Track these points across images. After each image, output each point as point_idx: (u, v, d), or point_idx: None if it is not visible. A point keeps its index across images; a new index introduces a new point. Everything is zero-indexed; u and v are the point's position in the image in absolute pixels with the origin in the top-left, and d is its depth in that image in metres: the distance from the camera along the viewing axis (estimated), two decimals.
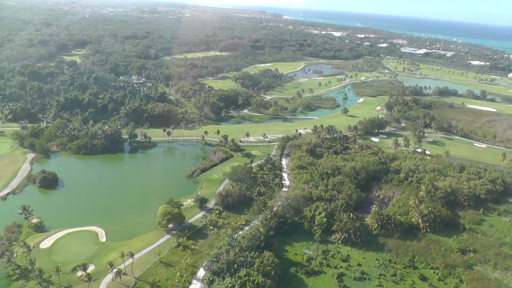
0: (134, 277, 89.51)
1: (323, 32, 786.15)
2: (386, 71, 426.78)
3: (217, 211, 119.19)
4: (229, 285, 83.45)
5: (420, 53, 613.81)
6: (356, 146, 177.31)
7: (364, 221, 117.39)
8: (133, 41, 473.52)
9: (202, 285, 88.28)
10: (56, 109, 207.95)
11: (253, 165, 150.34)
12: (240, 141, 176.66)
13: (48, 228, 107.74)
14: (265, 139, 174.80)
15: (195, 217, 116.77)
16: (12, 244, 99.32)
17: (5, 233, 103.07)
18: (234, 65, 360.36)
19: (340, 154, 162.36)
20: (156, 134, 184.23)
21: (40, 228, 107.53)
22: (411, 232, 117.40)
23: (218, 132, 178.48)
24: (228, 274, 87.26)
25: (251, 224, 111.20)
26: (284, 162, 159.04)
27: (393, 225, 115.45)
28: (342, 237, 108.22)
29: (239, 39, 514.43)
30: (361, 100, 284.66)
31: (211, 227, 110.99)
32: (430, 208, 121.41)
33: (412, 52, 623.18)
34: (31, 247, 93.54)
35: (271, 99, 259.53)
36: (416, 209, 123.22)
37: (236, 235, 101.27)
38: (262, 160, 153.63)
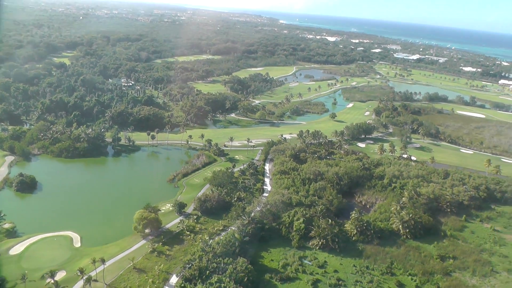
0: (106, 284, 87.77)
1: (318, 37, 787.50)
2: (378, 76, 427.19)
3: (195, 216, 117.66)
4: None
5: (413, 59, 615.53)
6: (342, 152, 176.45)
7: (344, 227, 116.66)
8: (125, 43, 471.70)
9: None
10: (40, 111, 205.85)
11: (235, 170, 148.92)
12: (225, 146, 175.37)
13: (21, 234, 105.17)
14: (249, 143, 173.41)
15: (173, 222, 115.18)
16: None
17: None
18: (225, 69, 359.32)
19: (324, 160, 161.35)
20: (141, 137, 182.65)
21: (12, 234, 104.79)
22: (391, 238, 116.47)
23: (202, 136, 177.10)
24: (200, 280, 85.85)
25: (229, 230, 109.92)
26: (267, 167, 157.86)
27: (372, 231, 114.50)
28: (320, 243, 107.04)
29: (232, 43, 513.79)
30: (351, 105, 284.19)
31: (188, 233, 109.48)
32: (411, 215, 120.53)
33: (405, 57, 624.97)
34: None
35: (259, 103, 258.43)
36: (397, 215, 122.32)
37: (210, 241, 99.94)
38: (245, 165, 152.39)
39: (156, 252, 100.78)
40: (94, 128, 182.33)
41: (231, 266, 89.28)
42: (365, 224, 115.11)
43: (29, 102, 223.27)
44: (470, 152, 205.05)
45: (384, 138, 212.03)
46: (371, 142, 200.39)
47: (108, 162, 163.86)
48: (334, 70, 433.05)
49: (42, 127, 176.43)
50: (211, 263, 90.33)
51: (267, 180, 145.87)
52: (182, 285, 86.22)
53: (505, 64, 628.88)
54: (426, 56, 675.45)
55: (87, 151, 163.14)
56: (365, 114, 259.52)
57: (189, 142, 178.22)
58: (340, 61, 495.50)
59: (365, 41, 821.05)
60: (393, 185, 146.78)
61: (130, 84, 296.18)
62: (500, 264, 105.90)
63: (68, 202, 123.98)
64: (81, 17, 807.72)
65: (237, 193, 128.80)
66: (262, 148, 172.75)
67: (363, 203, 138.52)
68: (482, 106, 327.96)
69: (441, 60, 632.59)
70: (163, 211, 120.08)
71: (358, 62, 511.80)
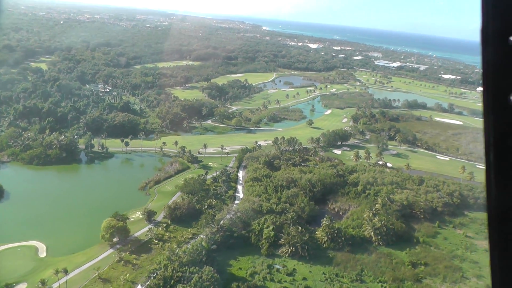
0: None
1: (300, 44, 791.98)
2: (358, 83, 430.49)
3: (164, 225, 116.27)
4: None
5: (394, 66, 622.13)
6: (317, 158, 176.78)
7: (315, 234, 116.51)
8: (105, 49, 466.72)
9: None
10: (12, 117, 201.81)
11: (208, 177, 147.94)
12: (199, 153, 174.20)
13: None
14: (223, 150, 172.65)
15: (142, 231, 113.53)
16: None
17: None
18: (204, 75, 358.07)
19: (299, 166, 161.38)
20: (115, 144, 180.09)
21: None
22: (362, 245, 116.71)
23: (176, 143, 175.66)
24: None
25: (197, 238, 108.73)
26: (240, 174, 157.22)
27: (343, 238, 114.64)
28: (289, 250, 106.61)
29: (213, 49, 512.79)
30: (329, 112, 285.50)
31: (156, 241, 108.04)
32: (383, 222, 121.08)
33: (386, 65, 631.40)
34: None
35: (237, 110, 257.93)
36: (369, 222, 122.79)
37: (177, 250, 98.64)
38: (218, 172, 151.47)
39: (123, 261, 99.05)
40: (67, 134, 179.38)
41: (196, 275, 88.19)
42: (336, 231, 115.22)
43: (1, 108, 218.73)
44: (446, 158, 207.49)
45: (361, 145, 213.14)
46: (347, 149, 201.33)
47: (80, 169, 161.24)
48: (314, 77, 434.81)
49: (13, 133, 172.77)
50: (176, 272, 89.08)
51: (239, 187, 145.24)
52: None
53: None
54: (407, 63, 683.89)
55: (59, 158, 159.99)
56: (343, 121, 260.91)
57: (163, 149, 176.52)
58: (321, 68, 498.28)
59: (346, 48, 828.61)
60: (367, 191, 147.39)
61: (108, 90, 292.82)
62: (471, 270, 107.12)
63: (36, 210, 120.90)
64: (61, 22, 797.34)
65: (208, 200, 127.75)
66: (236, 155, 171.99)
67: (336, 210, 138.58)
68: (460, 113, 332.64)
69: (422, 67, 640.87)
70: (132, 219, 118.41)
71: (339, 69, 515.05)
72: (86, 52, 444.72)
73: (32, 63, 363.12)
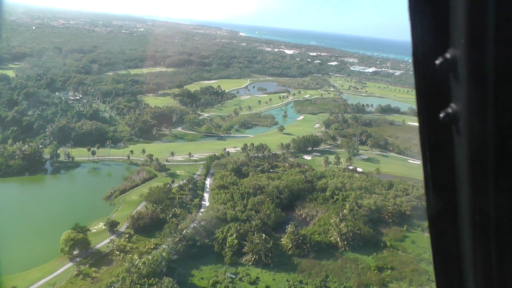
0: None
1: (276, 50, 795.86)
2: (332, 89, 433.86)
3: (127, 235, 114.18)
4: None
5: (369, 72, 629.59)
6: (286, 165, 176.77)
7: (280, 241, 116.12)
8: (78, 55, 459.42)
9: None
10: None
11: (174, 185, 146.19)
12: (167, 161, 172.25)
13: None
14: (191, 158, 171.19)
15: (104, 242, 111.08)
16: None
17: None
18: (177, 82, 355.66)
19: (267, 173, 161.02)
20: (82, 153, 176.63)
21: None
22: (328, 251, 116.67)
23: (144, 151, 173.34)
24: None
25: (160, 248, 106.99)
26: (208, 182, 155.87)
27: (308, 244, 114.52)
28: (253, 258, 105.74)
29: (188, 55, 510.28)
30: (301, 117, 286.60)
31: (118, 253, 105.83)
32: (349, 227, 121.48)
33: (361, 70, 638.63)
34: None
35: (208, 116, 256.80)
36: (335, 227, 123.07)
37: (137, 261, 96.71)
38: (184, 180, 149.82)
39: (81, 275, 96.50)
40: (31, 144, 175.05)
41: (155, 287, 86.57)
42: (301, 238, 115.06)
43: None
44: (418, 162, 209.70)
45: (332, 150, 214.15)
46: (318, 154, 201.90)
47: (45, 180, 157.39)
48: (288, 83, 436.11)
49: None
50: (134, 284, 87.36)
51: (206, 196, 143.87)
52: None
53: None
54: (383, 69, 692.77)
55: (23, 169, 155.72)
56: (315, 126, 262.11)
57: (130, 158, 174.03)
58: (295, 74, 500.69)
59: (323, 54, 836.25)
60: (335, 197, 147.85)
61: (78, 97, 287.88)
62: None
63: None
64: (34, 27, 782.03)
65: (173, 209, 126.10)
66: (204, 162, 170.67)
67: (303, 216, 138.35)
68: None
69: (397, 72, 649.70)
70: (95, 230, 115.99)
71: (314, 75, 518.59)
72: (57, 58, 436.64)
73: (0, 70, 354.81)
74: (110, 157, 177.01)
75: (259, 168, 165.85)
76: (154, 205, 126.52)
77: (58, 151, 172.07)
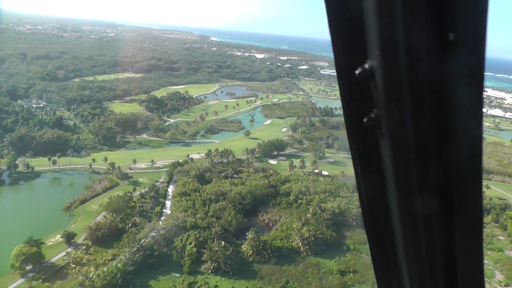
0: None
1: (247, 54, 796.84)
2: (301, 92, 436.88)
3: (84, 247, 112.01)
4: None
5: None
6: (251, 170, 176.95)
7: (241, 248, 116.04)
8: (43, 61, 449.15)
9: None
10: None
11: (136, 193, 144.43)
12: (130, 168, 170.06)
13: None
14: (154, 165, 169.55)
15: (60, 255, 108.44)
16: None
17: None
18: (145, 88, 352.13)
19: (230, 179, 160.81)
20: (42, 163, 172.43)
21: None
22: (290, 257, 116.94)
23: (106, 159, 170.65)
24: None
25: (117, 259, 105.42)
26: (170, 189, 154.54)
27: (269, 250, 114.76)
28: (212, 266, 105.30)
29: (157, 61, 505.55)
30: (268, 122, 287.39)
31: (74, 265, 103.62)
32: (311, 231, 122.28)
33: (331, 73, 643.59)
34: None
35: (174, 122, 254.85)
36: (297, 232, 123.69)
37: (92, 273, 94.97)
38: (146, 188, 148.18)
39: None
40: None
41: None
42: (262, 244, 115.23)
43: None
44: None
45: (298, 154, 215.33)
46: (284, 158, 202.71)
47: (2, 192, 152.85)
48: (257, 87, 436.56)
49: None
50: None
51: (168, 203, 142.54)
52: None
53: None
54: None
55: None
56: (282, 130, 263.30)
57: (92, 166, 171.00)
58: (265, 78, 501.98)
59: (293, 58, 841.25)
60: (299, 201, 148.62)
61: (41, 105, 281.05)
62: None
63: None
64: None
65: (133, 218, 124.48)
66: (167, 169, 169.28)
67: (266, 222, 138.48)
68: None
69: None
70: (51, 243, 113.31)
71: (283, 78, 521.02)
72: (21, 65, 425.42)
73: None
74: (71, 166, 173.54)
75: (223, 174, 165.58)
76: (114, 214, 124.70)
77: (16, 162, 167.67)
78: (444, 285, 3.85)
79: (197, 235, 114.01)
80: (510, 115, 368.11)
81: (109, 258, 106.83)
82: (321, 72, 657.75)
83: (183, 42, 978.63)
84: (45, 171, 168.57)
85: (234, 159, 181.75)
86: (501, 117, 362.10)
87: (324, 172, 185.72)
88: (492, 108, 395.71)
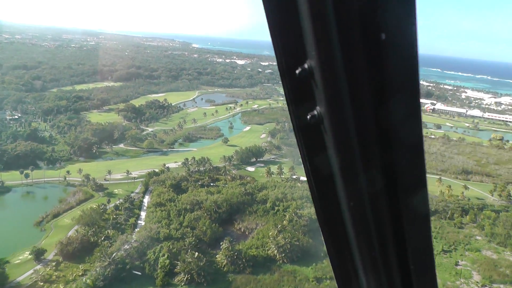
0: None
1: (228, 60, 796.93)
2: (281, 98, 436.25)
3: (54, 263, 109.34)
4: None
5: None
6: (228, 177, 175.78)
7: (216, 258, 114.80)
8: (20, 71, 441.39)
9: None
10: None
11: (111, 205, 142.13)
12: (105, 180, 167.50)
13: None
14: (130, 175, 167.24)
15: (28, 273, 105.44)
16: None
17: None
18: (124, 96, 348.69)
19: (207, 187, 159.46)
20: (15, 177, 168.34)
21: None
22: (265, 265, 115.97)
23: (81, 171, 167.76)
24: None
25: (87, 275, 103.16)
26: (146, 199, 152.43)
27: (244, 259, 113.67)
28: (185, 278, 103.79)
29: (137, 69, 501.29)
30: (247, 128, 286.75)
31: (41, 283, 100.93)
32: (287, 238, 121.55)
33: None
34: None
35: (152, 131, 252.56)
36: (273, 240, 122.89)
37: None
38: (121, 200, 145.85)
39: None
40: None
41: None
42: (236, 253, 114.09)
43: None
44: None
45: (277, 160, 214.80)
46: (262, 165, 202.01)
47: None
48: (237, 94, 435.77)
49: None
50: None
51: (143, 214, 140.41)
52: None
53: None
54: None
55: None
56: (261, 136, 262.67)
57: (67, 178, 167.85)
58: (245, 84, 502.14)
59: (274, 63, 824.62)
60: (276, 208, 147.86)
61: (16, 117, 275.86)
62: None
63: None
64: None
65: (106, 231, 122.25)
66: (143, 179, 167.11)
67: (242, 230, 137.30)
68: None
69: None
70: (18, 261, 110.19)
71: (264, 84, 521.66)
72: None
73: None
74: (45, 179, 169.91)
75: (199, 182, 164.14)
76: (86, 228, 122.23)
77: None
78: (398, 272, 4.01)
79: (171, 246, 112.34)
80: (488, 115, 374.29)
81: (80, 274, 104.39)
82: None
83: (164, 49, 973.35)
84: (16, 185, 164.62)
85: (211, 167, 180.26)
86: (479, 117, 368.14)
87: (302, 178, 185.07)
88: (471, 108, 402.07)
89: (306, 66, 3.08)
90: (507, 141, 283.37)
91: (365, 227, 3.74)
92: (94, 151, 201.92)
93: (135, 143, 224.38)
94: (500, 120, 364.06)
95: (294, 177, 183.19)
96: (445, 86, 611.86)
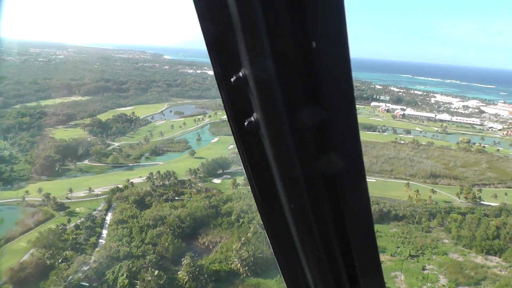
0: None
1: (199, 71, 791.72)
2: None
3: None
4: None
5: None
6: (194, 191, 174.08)
7: (178, 274, 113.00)
8: None
9: None
10: None
11: (71, 224, 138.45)
12: (67, 198, 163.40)
13: None
14: (92, 192, 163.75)
15: None
16: None
17: None
18: (91, 111, 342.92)
19: (171, 202, 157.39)
20: None
21: None
22: (228, 280, 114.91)
23: (40, 190, 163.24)
24: None
25: None
26: (108, 217, 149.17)
27: (206, 275, 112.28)
28: None
29: (105, 82, 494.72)
30: (216, 139, 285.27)
31: None
32: (250, 251, 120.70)
33: None
34: None
35: (118, 146, 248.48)
36: (236, 253, 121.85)
37: None
38: (82, 219, 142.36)
39: None
40: None
41: None
42: (198, 269, 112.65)
43: None
44: None
45: (244, 171, 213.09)
46: (228, 176, 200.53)
47: None
48: (207, 104, 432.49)
49: None
50: None
51: (105, 233, 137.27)
52: None
53: (378, 87, 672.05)
54: None
55: None
56: (229, 147, 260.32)
57: (25, 199, 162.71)
58: (215, 95, 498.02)
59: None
60: (240, 220, 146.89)
61: None
62: None
63: None
64: None
65: (64, 253, 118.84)
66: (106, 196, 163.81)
67: (206, 244, 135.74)
68: None
69: None
70: None
71: None
72: None
73: None
74: (1, 201, 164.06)
75: (164, 197, 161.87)
76: (43, 250, 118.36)
77: None
78: (344, 270, 4.08)
79: (130, 265, 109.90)
80: (456, 119, 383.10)
81: None
82: None
83: (135, 61, 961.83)
84: None
85: (176, 181, 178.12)
86: (448, 121, 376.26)
87: None
88: (441, 113, 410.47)
89: (240, 74, 3.10)
90: (474, 143, 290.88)
91: (307, 227, 3.76)
92: (57, 168, 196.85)
93: (100, 158, 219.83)
94: (467, 123, 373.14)
95: None
96: (415, 92, 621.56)
